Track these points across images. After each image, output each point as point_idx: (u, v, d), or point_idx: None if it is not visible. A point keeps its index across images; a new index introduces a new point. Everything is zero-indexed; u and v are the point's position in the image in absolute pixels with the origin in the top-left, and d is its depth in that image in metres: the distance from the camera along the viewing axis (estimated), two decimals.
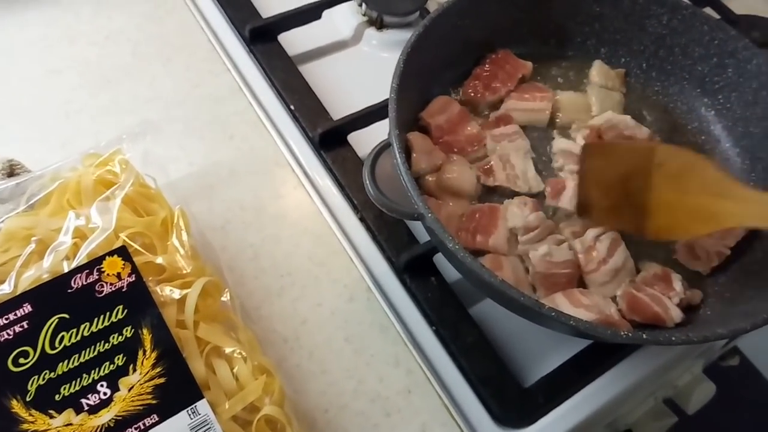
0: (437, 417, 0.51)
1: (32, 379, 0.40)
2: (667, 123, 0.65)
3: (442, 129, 0.59)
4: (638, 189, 0.53)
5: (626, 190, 0.54)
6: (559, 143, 0.61)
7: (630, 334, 0.43)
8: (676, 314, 0.51)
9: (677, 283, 0.53)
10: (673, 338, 0.44)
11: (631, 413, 0.64)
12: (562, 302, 0.51)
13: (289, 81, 0.65)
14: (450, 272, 0.55)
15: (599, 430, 0.61)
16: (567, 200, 0.57)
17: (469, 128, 0.60)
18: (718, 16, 0.76)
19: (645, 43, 0.66)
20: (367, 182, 0.49)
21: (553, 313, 0.43)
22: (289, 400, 0.46)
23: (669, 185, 0.52)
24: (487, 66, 0.64)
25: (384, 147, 0.51)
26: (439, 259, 0.56)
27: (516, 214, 0.54)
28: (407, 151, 0.55)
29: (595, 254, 0.54)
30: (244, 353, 0.44)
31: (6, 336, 0.40)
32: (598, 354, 0.54)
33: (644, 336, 0.44)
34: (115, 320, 0.42)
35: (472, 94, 0.63)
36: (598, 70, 0.66)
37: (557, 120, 0.64)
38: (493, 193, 0.58)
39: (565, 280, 0.53)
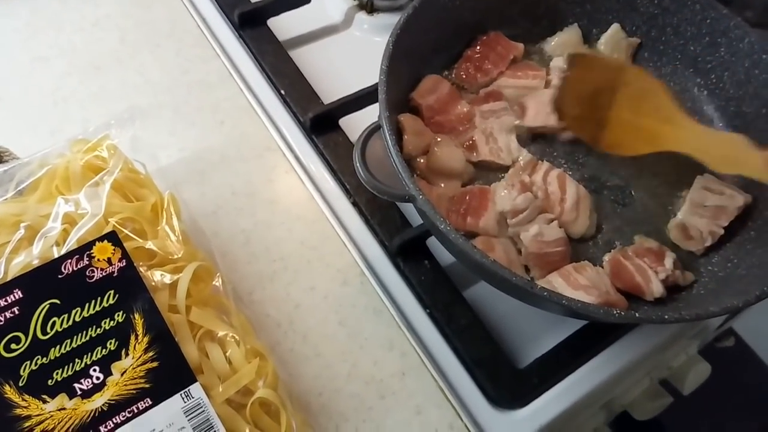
0: (432, 399, 0.51)
1: (24, 364, 0.40)
2: None
3: (432, 109, 0.58)
4: (604, 104, 0.58)
5: (594, 103, 0.59)
6: (557, 61, 0.63)
7: (623, 313, 0.43)
8: (657, 288, 0.51)
9: (668, 260, 0.53)
10: (666, 316, 0.44)
11: (626, 394, 0.65)
12: (559, 284, 0.51)
13: (279, 66, 0.65)
14: (443, 255, 0.55)
15: (594, 410, 0.61)
16: (531, 118, 0.60)
17: (459, 107, 0.60)
18: None
19: (637, 23, 0.65)
20: (358, 165, 0.49)
21: (545, 293, 0.43)
22: (283, 383, 0.46)
23: (628, 104, 0.57)
24: (478, 48, 0.63)
25: (374, 129, 0.50)
26: (433, 242, 0.55)
27: (503, 197, 0.54)
28: (398, 133, 0.55)
29: (552, 197, 0.55)
30: (237, 337, 0.44)
31: None
32: (592, 335, 0.54)
33: (636, 315, 0.44)
34: (106, 305, 0.42)
35: (464, 76, 0.62)
36: (610, 36, 0.65)
37: None
38: (484, 174, 0.58)
39: (559, 258, 0.53)
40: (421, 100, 0.58)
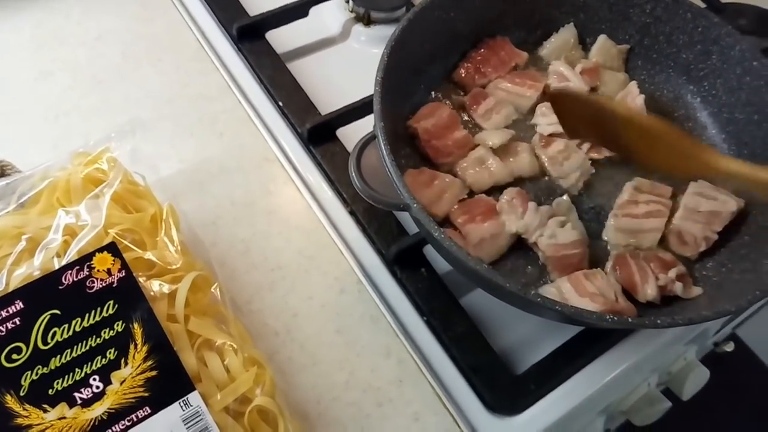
0: (429, 406, 0.51)
1: (25, 374, 0.40)
2: (653, 111, 0.65)
3: (429, 133, 0.59)
4: (611, 131, 0.53)
5: (600, 131, 0.54)
6: (557, 65, 0.64)
7: (615, 318, 0.44)
8: (651, 291, 0.52)
9: (673, 271, 0.53)
10: (659, 321, 0.44)
11: (624, 400, 0.65)
12: (567, 290, 0.51)
13: (277, 78, 0.66)
14: (440, 263, 0.56)
15: (592, 416, 0.61)
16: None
17: (457, 133, 0.60)
18: (704, 5, 0.77)
19: (630, 32, 0.66)
20: (353, 174, 0.49)
21: (538, 299, 0.43)
22: (281, 391, 0.46)
23: (639, 138, 0.52)
24: (482, 50, 0.65)
25: (370, 139, 0.51)
26: (429, 250, 0.56)
27: (512, 219, 0.54)
28: (393, 142, 0.55)
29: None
30: (234, 345, 0.45)
31: None
32: (589, 340, 0.54)
33: (629, 320, 0.45)
34: (106, 315, 0.43)
35: (463, 75, 0.64)
36: (599, 48, 0.66)
37: None
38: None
39: (577, 260, 0.54)
40: (418, 124, 0.59)
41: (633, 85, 0.63)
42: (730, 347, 0.84)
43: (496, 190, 0.58)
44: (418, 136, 0.59)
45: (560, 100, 0.56)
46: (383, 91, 0.51)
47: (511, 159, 0.59)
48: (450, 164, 0.59)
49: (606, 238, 0.57)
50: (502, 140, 0.59)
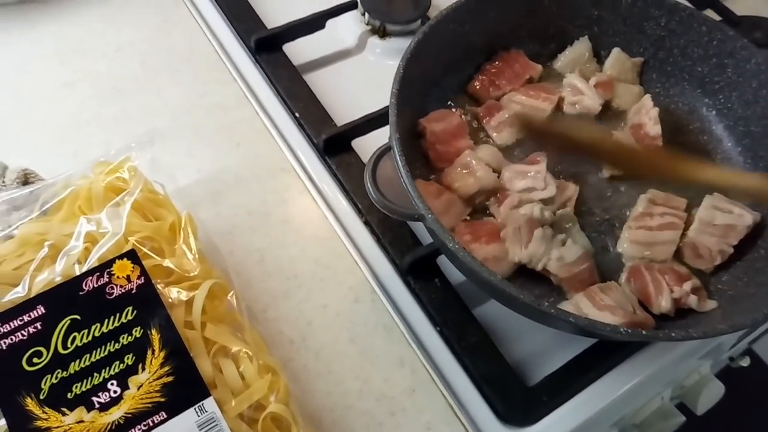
0: (442, 416, 0.51)
1: (45, 378, 0.41)
2: (668, 124, 0.65)
3: (436, 135, 0.59)
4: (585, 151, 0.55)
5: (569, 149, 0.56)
6: (571, 78, 0.64)
7: (629, 331, 0.44)
8: (666, 303, 0.52)
9: (688, 284, 0.53)
10: (673, 334, 0.44)
11: (638, 413, 0.64)
12: (585, 304, 0.51)
13: (293, 89, 0.67)
14: (453, 274, 0.56)
15: (605, 429, 0.61)
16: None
17: (461, 142, 0.60)
18: (719, 18, 0.77)
19: (644, 45, 0.66)
20: (368, 185, 0.50)
21: (552, 311, 0.44)
22: (295, 399, 0.47)
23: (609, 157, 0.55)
24: (497, 62, 0.65)
25: (385, 150, 0.52)
26: (443, 260, 0.56)
27: (516, 250, 0.54)
28: (408, 153, 0.56)
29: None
30: (250, 353, 0.45)
31: (20, 337, 0.42)
32: (602, 353, 0.54)
33: (643, 332, 0.45)
34: (124, 321, 0.44)
35: (478, 87, 0.64)
36: (614, 61, 0.66)
37: None
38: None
39: (588, 274, 0.54)
40: (428, 124, 0.59)
41: (647, 98, 0.63)
42: (745, 362, 0.83)
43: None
44: (425, 136, 0.60)
45: (525, 123, 0.58)
46: (398, 102, 0.52)
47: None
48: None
49: (620, 250, 0.57)
50: (493, 159, 0.59)
